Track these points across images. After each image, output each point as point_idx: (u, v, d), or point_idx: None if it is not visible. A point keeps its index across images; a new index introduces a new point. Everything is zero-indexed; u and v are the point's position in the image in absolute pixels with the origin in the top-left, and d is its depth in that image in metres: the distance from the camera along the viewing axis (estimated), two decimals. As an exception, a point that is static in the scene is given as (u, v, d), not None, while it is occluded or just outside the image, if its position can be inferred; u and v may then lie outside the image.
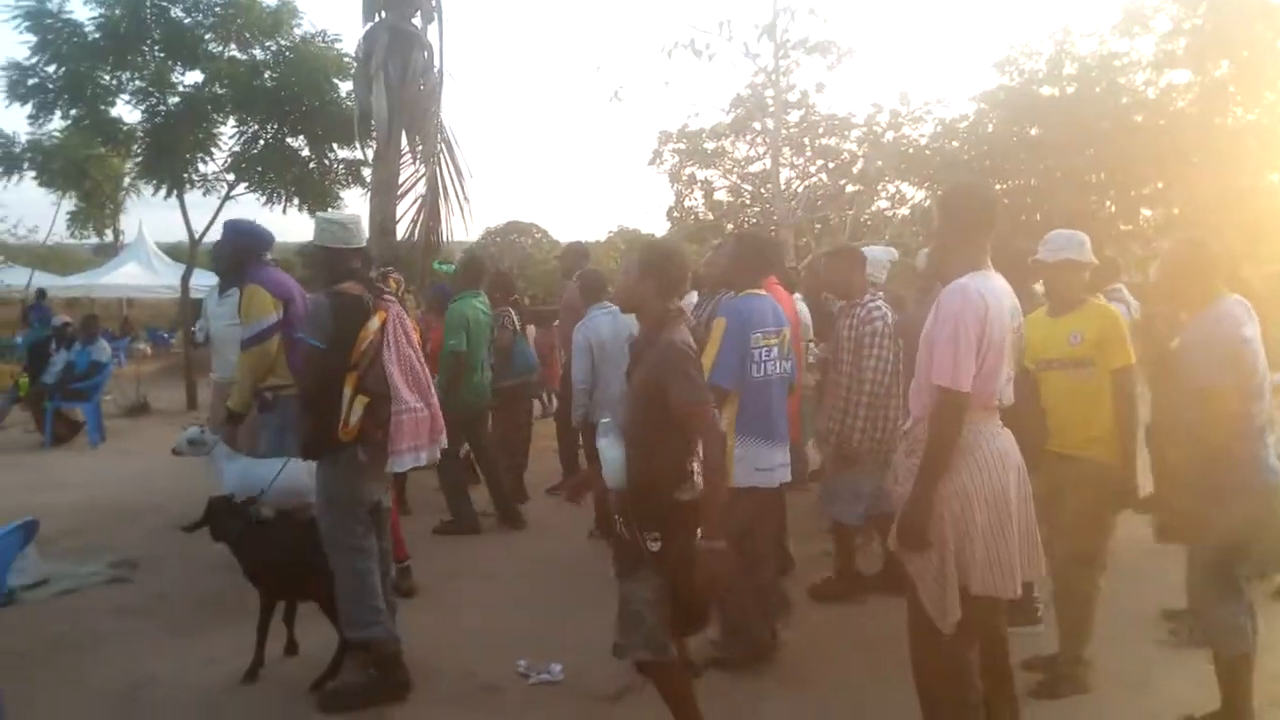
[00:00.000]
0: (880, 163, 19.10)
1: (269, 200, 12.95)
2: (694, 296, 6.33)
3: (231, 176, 12.75)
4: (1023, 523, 2.85)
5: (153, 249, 25.49)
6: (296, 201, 13.10)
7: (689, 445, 3.01)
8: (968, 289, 2.77)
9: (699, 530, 2.94)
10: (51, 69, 11.38)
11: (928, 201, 20.92)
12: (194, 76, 12.30)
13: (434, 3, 9.89)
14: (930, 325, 2.90)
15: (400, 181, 9.82)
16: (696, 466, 2.99)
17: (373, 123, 9.85)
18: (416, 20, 9.87)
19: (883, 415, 4.70)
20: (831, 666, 4.10)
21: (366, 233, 5.29)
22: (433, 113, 9.86)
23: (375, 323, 3.75)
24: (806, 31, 18.05)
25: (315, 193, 12.69)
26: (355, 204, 13.56)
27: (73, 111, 11.60)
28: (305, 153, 12.67)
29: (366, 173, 12.78)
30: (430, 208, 9.86)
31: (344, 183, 12.88)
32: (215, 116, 12.46)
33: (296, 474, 4.89)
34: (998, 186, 20.92)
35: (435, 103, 9.84)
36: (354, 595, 3.74)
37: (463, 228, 10.32)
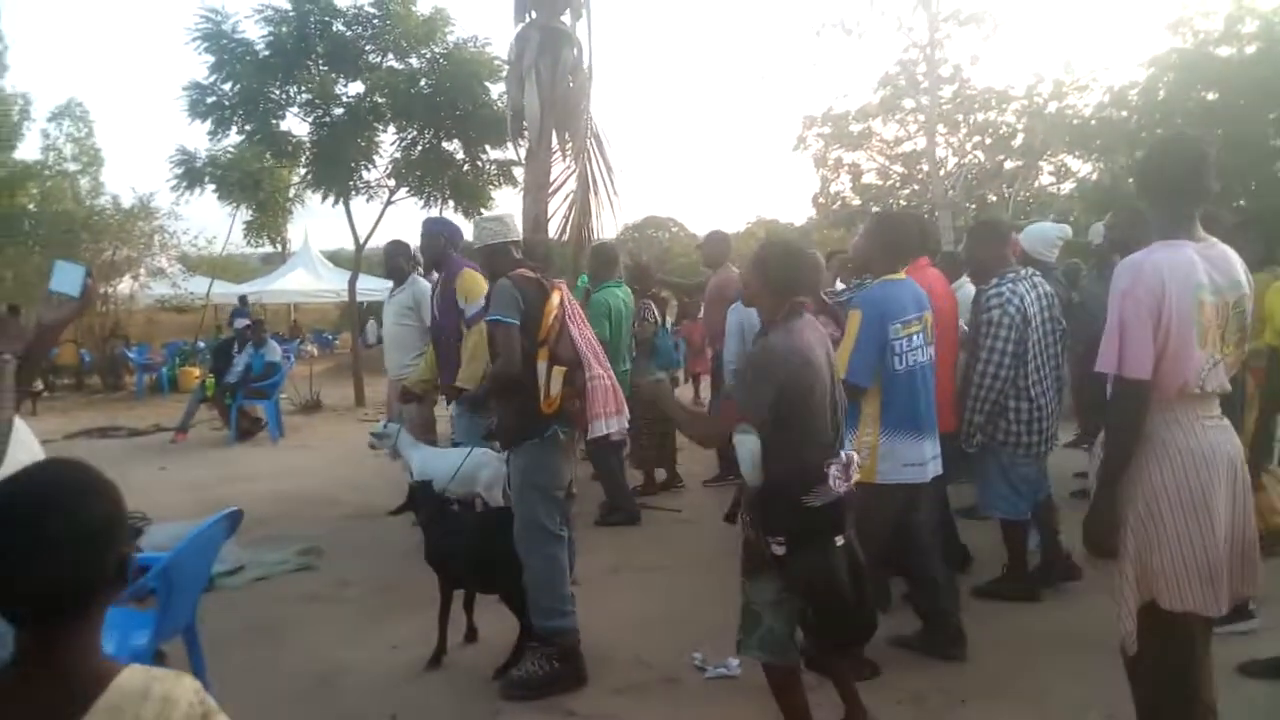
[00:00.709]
0: (1042, 136, 18.12)
1: (426, 203, 13.42)
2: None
3: (392, 182, 13.26)
4: (1237, 529, 2.52)
5: (317, 256, 26.93)
6: (452, 203, 13.51)
7: (821, 447, 2.89)
8: (1141, 264, 2.48)
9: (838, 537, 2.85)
10: (227, 86, 12.13)
11: (1094, 175, 19.73)
12: (356, 87, 12.86)
13: (582, 1, 9.95)
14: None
15: (552, 179, 9.94)
16: (835, 470, 2.84)
17: (525, 122, 10.03)
18: (565, 18, 9.97)
19: (1002, 409, 4.43)
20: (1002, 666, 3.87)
21: (520, 225, 5.50)
22: (583, 109, 9.93)
23: (555, 299, 3.86)
24: (960, 2, 17.31)
25: (470, 194, 13.06)
26: (507, 203, 13.88)
27: (248, 127, 12.31)
28: (460, 156, 13.05)
29: (518, 172, 13.06)
30: (581, 204, 9.93)
31: (496, 183, 13.20)
32: (376, 125, 12.99)
33: (474, 464, 5.12)
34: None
35: (585, 99, 9.91)
36: (546, 584, 3.80)
37: (613, 223, 10.35)
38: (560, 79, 9.83)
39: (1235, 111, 18.64)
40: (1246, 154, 18.88)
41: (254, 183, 13.55)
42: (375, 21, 12.64)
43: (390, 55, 12.91)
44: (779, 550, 2.83)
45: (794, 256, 3.13)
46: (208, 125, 12.20)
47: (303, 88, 12.53)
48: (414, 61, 12.91)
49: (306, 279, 25.59)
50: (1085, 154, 19.15)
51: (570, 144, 10.09)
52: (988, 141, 19.00)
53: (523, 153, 10.19)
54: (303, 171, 12.72)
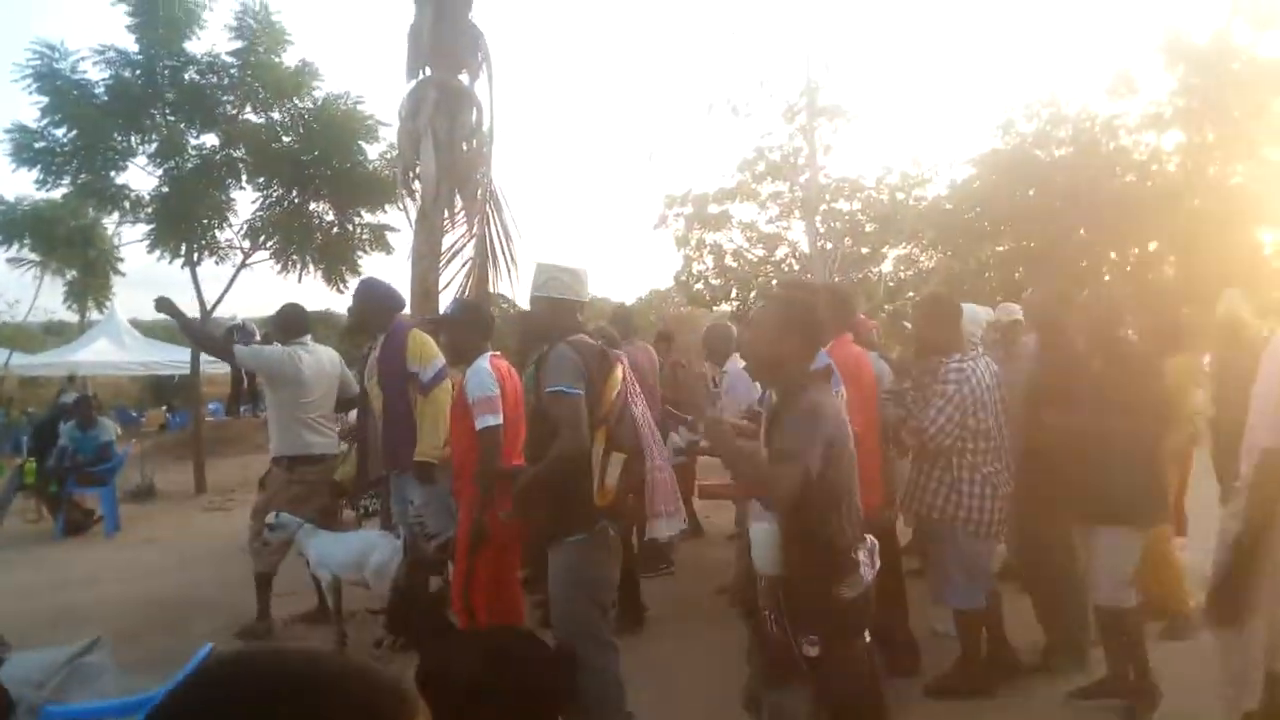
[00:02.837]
0: (880, 226, 19.09)
1: (285, 268, 12.27)
2: (736, 361, 5.92)
3: (247, 244, 12.08)
4: None
5: (124, 324, 24.57)
6: (311, 269, 12.42)
7: (852, 529, 2.55)
8: None
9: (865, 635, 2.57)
10: (60, 132, 10.74)
11: (932, 263, 20.84)
12: (210, 139, 11.73)
13: (481, 58, 9.47)
14: (1261, 380, 2.67)
15: (449, 246, 9.28)
16: (864, 556, 2.55)
17: (416, 185, 9.35)
18: (463, 77, 9.44)
19: (956, 483, 4.21)
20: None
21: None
22: (482, 173, 9.37)
23: (619, 373, 3.34)
24: (835, 96, 18.14)
25: (338, 258, 12.06)
26: (378, 270, 12.97)
27: (82, 176, 10.91)
28: (329, 218, 12.07)
29: (393, 238, 12.28)
30: (480, 271, 9.31)
31: (367, 248, 12.26)
32: (230, 181, 11.85)
33: (365, 545, 4.89)
34: (998, 249, 21.03)
35: (485, 161, 9.36)
36: (598, 705, 3.19)
37: (510, 291, 9.75)
38: (458, 139, 9.27)
39: (1049, 210, 20.24)
40: (1056, 251, 20.58)
41: (83, 239, 12.00)
42: (233, 71, 11.61)
43: (249, 108, 11.87)
44: (811, 651, 2.47)
45: (823, 302, 2.90)
46: (34, 174, 10.72)
47: (149, 137, 11.28)
48: (276, 115, 11.92)
49: (109, 350, 23.25)
50: (918, 244, 20.21)
51: (467, 209, 9.49)
52: (836, 226, 19.70)
53: (412, 216, 9.47)
54: (146, 229, 11.32)
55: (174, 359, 21.93)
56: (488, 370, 4.25)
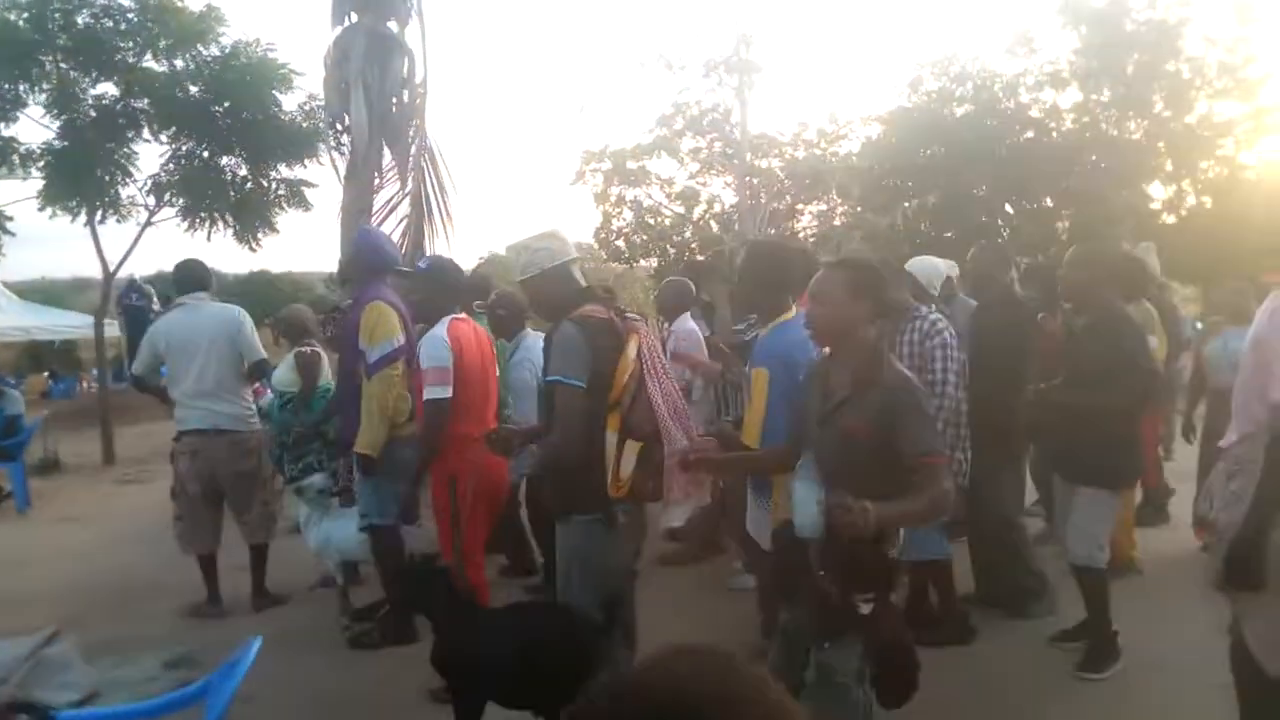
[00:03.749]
0: (794, 181, 19.27)
1: (191, 225, 11.58)
2: (686, 321, 5.85)
3: (152, 200, 11.34)
4: None
5: (0, 287, 23.01)
6: (222, 227, 11.76)
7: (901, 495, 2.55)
8: None
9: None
10: (-60, 78, 9.86)
11: (845, 220, 21.12)
12: (107, 89, 10.93)
13: (411, 5, 9.03)
14: (1268, 332, 2.62)
15: (383, 203, 8.90)
16: None
17: (345, 137, 8.93)
18: (392, 24, 9.00)
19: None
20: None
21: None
22: (416, 126, 8.99)
23: (632, 349, 3.07)
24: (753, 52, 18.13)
25: (253, 215, 11.43)
26: (297, 226, 12.36)
27: (-35, 126, 10.06)
28: (242, 173, 11.40)
29: (311, 194, 11.71)
30: (415, 229, 8.96)
31: (283, 205, 11.64)
32: (129, 134, 11.08)
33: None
34: (906, 205, 21.48)
35: (419, 115, 8.98)
36: None
37: (445, 248, 9.42)
38: (390, 90, 8.87)
39: (953, 166, 20.74)
40: (961, 206, 21.17)
41: (-34, 195, 11.09)
42: (131, 16, 10.80)
43: (150, 55, 11.08)
44: (866, 608, 2.52)
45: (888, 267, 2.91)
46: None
47: (39, 86, 10.44)
48: (180, 64, 11.15)
49: (-14, 312, 21.75)
50: (842, 200, 20.44)
51: (397, 163, 9.11)
52: (754, 182, 19.72)
53: (341, 171, 9.04)
54: (39, 184, 10.49)
55: (55, 323, 20.68)
56: (442, 338, 4.02)
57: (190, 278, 5.46)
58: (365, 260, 4.66)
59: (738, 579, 5.45)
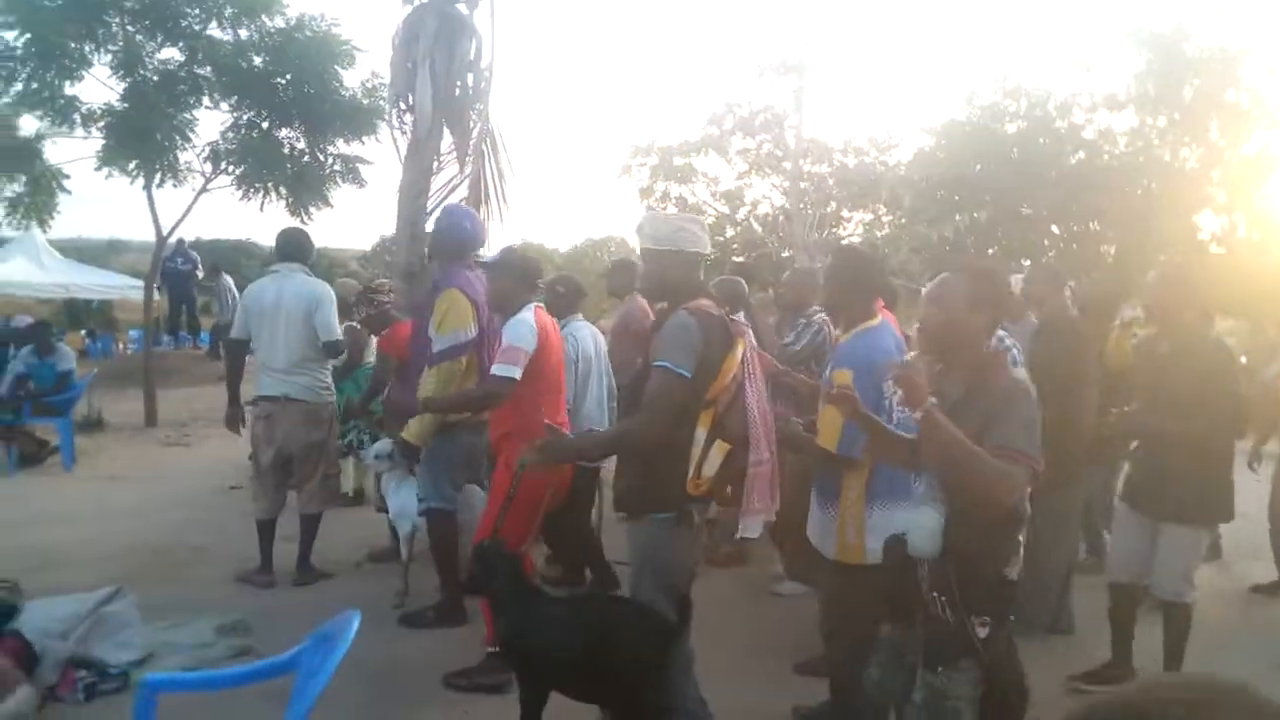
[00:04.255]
0: (859, 188, 19.09)
1: (246, 194, 11.64)
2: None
3: (209, 167, 11.42)
4: None
5: (42, 244, 23.22)
6: (274, 197, 11.80)
7: (1022, 515, 2.49)
8: None
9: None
10: (11, 36, 9.95)
11: (885, 230, 20.97)
12: (171, 54, 11.00)
13: (484, -16, 9.00)
14: None
15: (442, 184, 8.90)
16: (1021, 538, 2.50)
17: (408, 117, 8.93)
18: (462, 6, 8.98)
19: None
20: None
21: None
22: (479, 110, 8.98)
23: (739, 351, 3.04)
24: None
25: (307, 188, 11.47)
26: (350, 203, 12.42)
27: (33, 85, 10.14)
28: (300, 145, 11.46)
29: (368, 171, 11.77)
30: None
31: (337, 180, 11.69)
32: (190, 100, 11.15)
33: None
34: (958, 218, 21.27)
35: (483, 99, 8.97)
36: None
37: (500, 234, 9.41)
38: (457, 72, 8.86)
39: (1002, 184, 20.51)
40: (1007, 223, 20.97)
41: (31, 151, 11.17)
42: (196, -19, 10.88)
43: (214, 23, 11.14)
44: (983, 632, 2.44)
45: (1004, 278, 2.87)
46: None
47: (105, 46, 10.53)
48: (244, 34, 11.21)
49: (29, 270, 21.98)
50: (891, 210, 20.27)
51: (456, 146, 9.10)
52: (803, 186, 19.62)
53: (402, 150, 9.03)
54: (100, 144, 10.58)
55: (95, 282, 20.83)
56: (530, 324, 4.02)
57: (290, 245, 5.53)
58: (444, 241, 4.65)
59: (784, 584, 5.42)
